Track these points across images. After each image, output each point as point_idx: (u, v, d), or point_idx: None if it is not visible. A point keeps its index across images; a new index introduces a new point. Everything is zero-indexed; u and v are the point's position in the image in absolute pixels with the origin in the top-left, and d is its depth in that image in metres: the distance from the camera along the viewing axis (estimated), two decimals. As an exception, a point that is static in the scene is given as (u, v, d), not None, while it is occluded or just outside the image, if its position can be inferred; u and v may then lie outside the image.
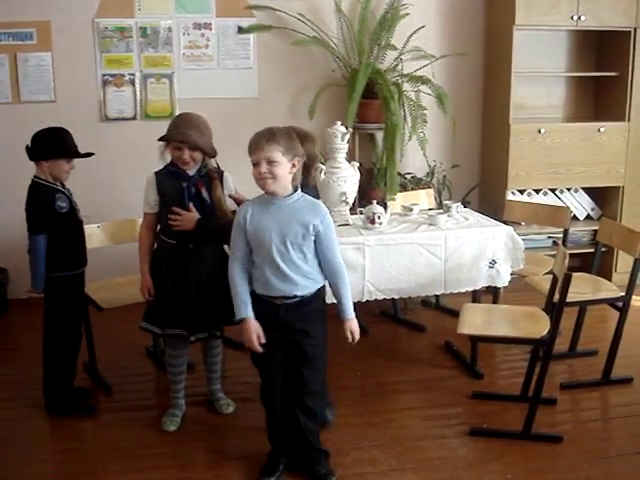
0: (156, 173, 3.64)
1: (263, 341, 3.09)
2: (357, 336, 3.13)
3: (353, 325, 3.12)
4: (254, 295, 3.12)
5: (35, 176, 3.81)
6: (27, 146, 3.80)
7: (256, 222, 3.05)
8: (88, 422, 3.86)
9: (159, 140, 3.59)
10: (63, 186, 3.88)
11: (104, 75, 5.44)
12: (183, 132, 3.52)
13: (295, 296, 3.07)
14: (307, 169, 3.41)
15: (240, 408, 3.97)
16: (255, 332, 3.08)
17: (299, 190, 3.06)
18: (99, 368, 4.33)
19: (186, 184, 3.57)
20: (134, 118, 5.53)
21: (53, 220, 3.74)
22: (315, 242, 3.04)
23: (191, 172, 3.60)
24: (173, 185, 3.58)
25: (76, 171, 5.05)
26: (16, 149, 5.30)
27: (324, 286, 3.18)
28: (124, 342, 4.82)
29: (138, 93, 5.49)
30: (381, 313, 5.18)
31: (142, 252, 3.70)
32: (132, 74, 5.47)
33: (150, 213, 3.67)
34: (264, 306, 3.11)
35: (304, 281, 3.05)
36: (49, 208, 3.73)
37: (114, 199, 5.46)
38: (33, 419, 3.87)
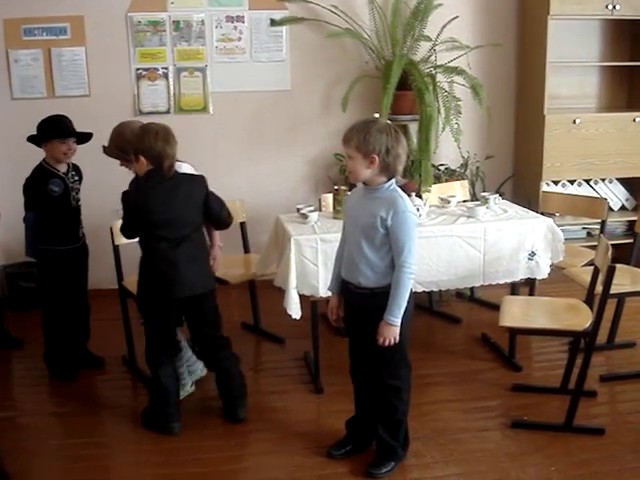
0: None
1: (340, 315, 3.30)
2: (386, 342, 3.04)
3: (384, 328, 3.03)
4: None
5: (42, 159, 4.18)
6: (30, 135, 4.15)
7: (348, 207, 3.24)
8: (128, 415, 3.89)
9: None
10: (68, 171, 4.22)
11: (138, 69, 5.46)
12: None
13: (361, 285, 3.08)
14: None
15: (277, 399, 4.01)
16: (331, 306, 3.31)
17: (391, 181, 3.04)
18: (138, 361, 4.36)
19: None
20: (168, 112, 5.55)
21: (44, 200, 4.10)
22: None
23: None
24: None
25: (109, 165, 5.12)
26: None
27: None
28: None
29: (172, 87, 5.51)
30: (416, 305, 5.14)
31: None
32: (165, 68, 5.48)
33: None
34: (346, 288, 3.21)
35: (371, 273, 3.05)
36: (42, 190, 4.09)
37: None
38: (75, 411, 3.92)
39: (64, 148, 4.11)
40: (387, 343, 3.04)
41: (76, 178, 4.30)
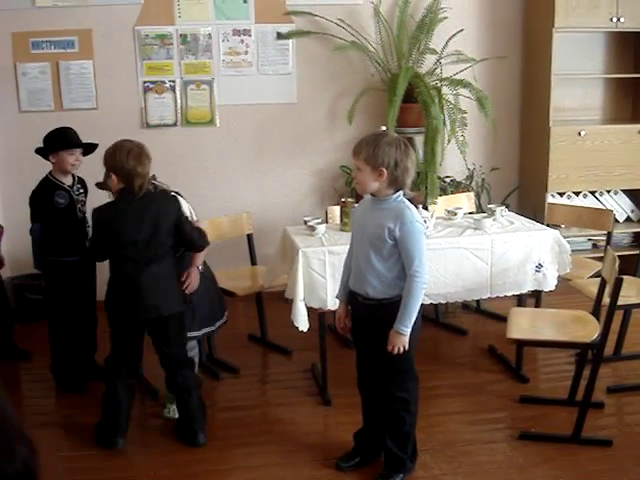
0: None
1: (348, 325, 3.31)
2: (395, 350, 3.04)
3: (394, 337, 3.03)
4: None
5: (49, 172, 4.24)
6: (37, 147, 4.21)
7: (356, 218, 3.28)
8: (135, 427, 3.89)
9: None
10: (73, 184, 4.27)
11: (145, 82, 5.49)
12: None
13: (369, 296, 3.10)
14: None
15: (285, 411, 4.01)
16: (339, 315, 3.34)
17: (399, 193, 3.05)
18: (143, 373, 4.36)
19: None
20: (175, 124, 5.57)
21: (50, 212, 4.14)
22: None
23: None
24: None
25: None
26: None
27: None
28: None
29: (179, 100, 5.54)
30: (423, 317, 5.14)
31: None
32: (173, 81, 5.52)
33: None
34: (353, 299, 3.22)
35: (378, 283, 3.06)
36: (48, 202, 4.14)
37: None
38: (80, 423, 3.91)
39: (71, 159, 4.17)
40: (396, 351, 3.04)
41: (81, 191, 4.32)
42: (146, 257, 3.48)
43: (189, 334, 3.83)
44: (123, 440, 3.61)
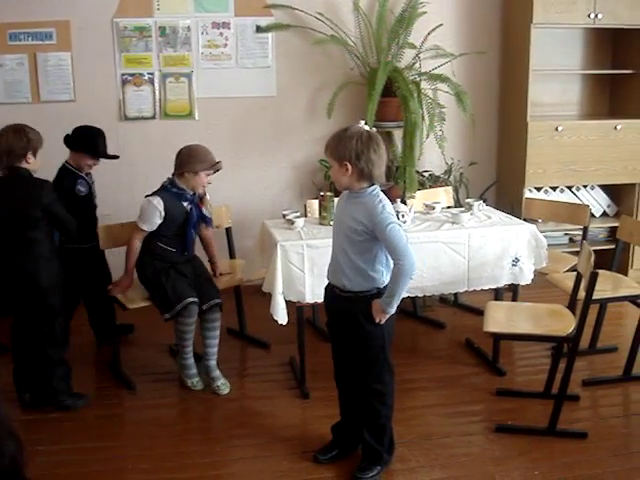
0: (162, 197, 4.08)
1: None
2: (376, 319, 3.07)
3: (377, 308, 3.06)
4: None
5: (66, 161, 4.50)
6: (67, 135, 4.49)
7: (335, 211, 3.31)
8: (115, 420, 3.91)
9: (201, 170, 4.14)
10: (86, 174, 4.54)
11: (123, 74, 5.46)
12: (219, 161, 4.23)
13: (345, 289, 3.11)
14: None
15: (263, 405, 4.03)
16: None
17: (374, 187, 3.05)
18: (122, 366, 4.37)
19: (189, 205, 4.19)
20: (153, 117, 5.55)
21: (72, 200, 4.27)
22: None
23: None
24: (178, 206, 4.15)
25: (97, 170, 5.09)
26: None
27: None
28: (148, 341, 4.87)
29: (157, 92, 5.52)
30: (400, 310, 5.15)
31: (133, 260, 4.18)
32: (151, 73, 5.49)
33: (147, 231, 4.14)
34: (330, 291, 3.24)
35: (354, 276, 3.07)
36: (70, 190, 4.36)
37: (134, 198, 5.47)
38: (62, 416, 3.91)
39: (91, 162, 4.51)
40: (377, 320, 3.07)
41: (93, 179, 4.62)
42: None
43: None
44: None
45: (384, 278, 3.10)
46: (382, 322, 3.09)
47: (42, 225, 3.76)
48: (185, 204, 4.16)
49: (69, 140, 4.48)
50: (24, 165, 3.76)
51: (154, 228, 4.12)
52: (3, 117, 5.27)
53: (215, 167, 4.19)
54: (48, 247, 3.81)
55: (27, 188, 3.75)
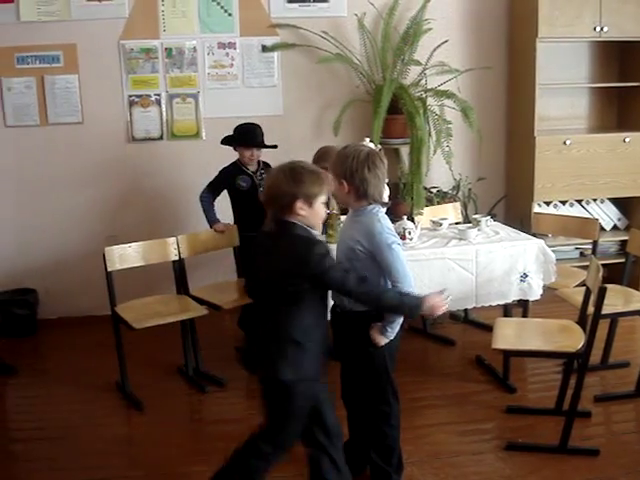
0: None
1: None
2: (375, 342, 3.05)
3: (376, 333, 3.04)
4: None
5: (237, 158, 4.91)
6: (224, 137, 4.92)
7: (340, 230, 3.38)
8: (123, 438, 3.90)
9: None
10: (257, 169, 4.90)
11: (130, 96, 5.48)
12: None
13: (347, 309, 3.09)
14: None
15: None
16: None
17: (372, 205, 3.03)
18: (130, 386, 4.35)
19: None
20: (161, 138, 5.56)
21: (233, 193, 4.88)
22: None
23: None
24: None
25: (104, 191, 5.12)
26: (44, 172, 5.42)
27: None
28: (156, 361, 4.86)
29: (164, 113, 5.54)
30: (410, 328, 5.15)
31: None
32: (158, 94, 5.51)
33: None
34: (334, 311, 3.20)
35: None
36: (230, 184, 4.86)
37: (142, 219, 5.50)
38: (68, 436, 3.89)
39: (247, 154, 4.82)
40: (376, 343, 3.05)
41: (264, 175, 4.80)
42: None
43: None
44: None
45: None
46: (379, 345, 3.06)
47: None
48: None
49: (228, 141, 4.90)
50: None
51: None
52: (13, 140, 5.36)
53: None
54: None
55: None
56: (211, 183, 4.87)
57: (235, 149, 4.87)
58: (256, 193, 4.71)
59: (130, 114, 5.50)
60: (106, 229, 5.42)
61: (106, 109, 5.46)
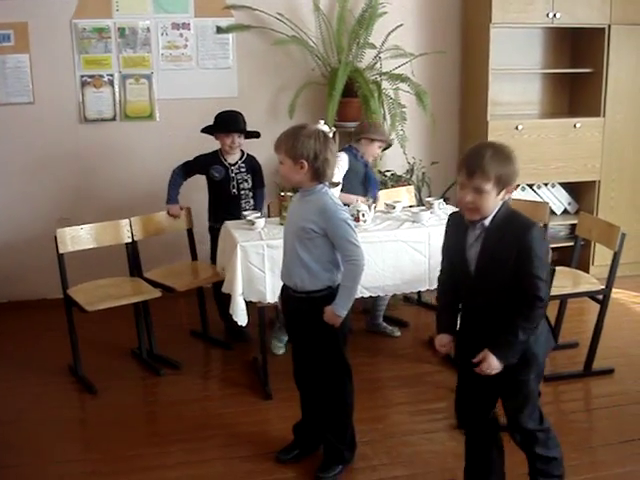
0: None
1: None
2: (329, 321, 3.08)
3: (330, 314, 3.06)
4: None
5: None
6: (203, 127, 4.83)
7: (288, 211, 3.32)
8: (77, 422, 3.88)
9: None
10: (237, 162, 4.84)
11: (83, 76, 5.40)
12: None
13: (297, 288, 3.12)
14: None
15: (226, 405, 4.01)
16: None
17: (322, 186, 3.08)
18: (83, 370, 4.33)
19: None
20: (113, 119, 5.50)
21: (208, 182, 4.86)
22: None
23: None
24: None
25: (55, 172, 5.05)
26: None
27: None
28: (109, 344, 4.83)
29: (117, 94, 5.47)
30: (364, 310, 5.19)
31: None
32: (111, 75, 5.44)
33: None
34: (285, 292, 3.24)
35: (306, 275, 3.08)
36: (205, 171, 4.82)
37: (95, 200, 5.44)
38: (21, 420, 3.86)
39: (228, 141, 4.72)
40: (330, 322, 3.08)
41: (243, 169, 4.84)
42: None
43: None
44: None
45: (335, 277, 3.12)
46: (337, 325, 3.10)
47: None
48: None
49: (207, 130, 4.80)
50: None
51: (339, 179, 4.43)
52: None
53: (387, 142, 4.84)
54: None
55: None
56: (187, 162, 4.83)
57: (216, 138, 4.81)
58: (229, 185, 4.77)
59: (82, 94, 5.42)
60: (58, 212, 5.35)
61: (58, 89, 5.38)
